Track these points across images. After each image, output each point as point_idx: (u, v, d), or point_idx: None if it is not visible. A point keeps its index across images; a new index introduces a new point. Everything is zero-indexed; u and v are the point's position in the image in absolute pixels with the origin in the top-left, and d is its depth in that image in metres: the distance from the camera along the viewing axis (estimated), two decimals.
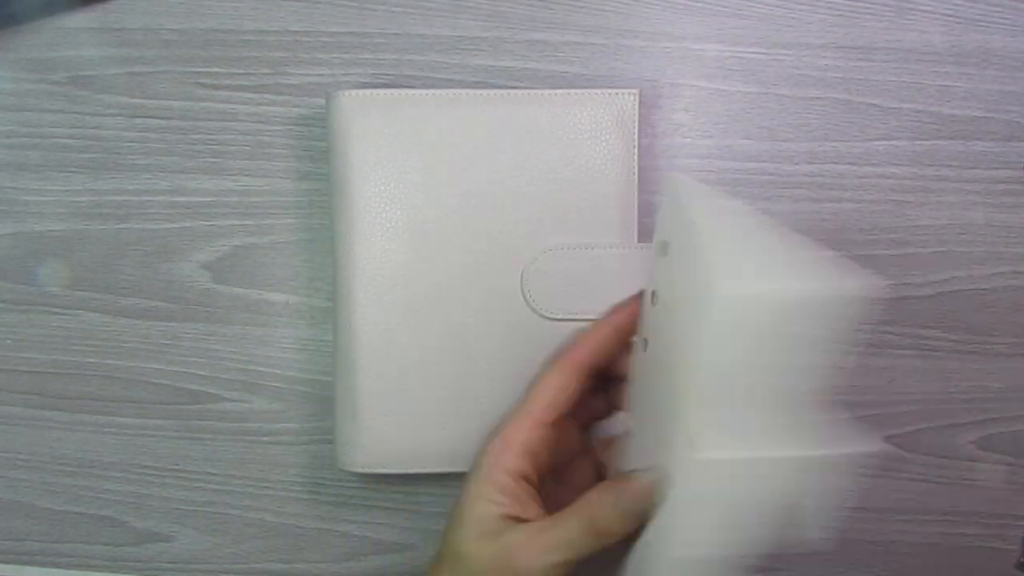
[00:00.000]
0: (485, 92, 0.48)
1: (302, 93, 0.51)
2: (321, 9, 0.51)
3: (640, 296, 0.39)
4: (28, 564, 0.54)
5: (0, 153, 0.52)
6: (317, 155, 0.51)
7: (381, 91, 0.47)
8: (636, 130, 0.48)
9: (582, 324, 0.44)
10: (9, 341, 0.53)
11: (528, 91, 0.48)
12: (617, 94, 0.48)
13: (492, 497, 0.38)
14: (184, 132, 0.52)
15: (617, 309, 0.40)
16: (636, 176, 0.48)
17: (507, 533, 0.38)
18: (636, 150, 0.48)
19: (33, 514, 0.53)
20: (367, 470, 0.47)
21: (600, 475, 0.41)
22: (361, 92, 0.47)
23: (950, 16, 0.50)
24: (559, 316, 0.47)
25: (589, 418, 0.42)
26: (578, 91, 0.48)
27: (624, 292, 0.43)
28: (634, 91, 0.48)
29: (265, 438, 0.52)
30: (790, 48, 0.51)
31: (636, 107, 0.48)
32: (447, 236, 0.47)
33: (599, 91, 0.48)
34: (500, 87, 0.51)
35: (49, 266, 0.52)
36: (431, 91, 0.48)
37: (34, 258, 0.52)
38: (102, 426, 0.53)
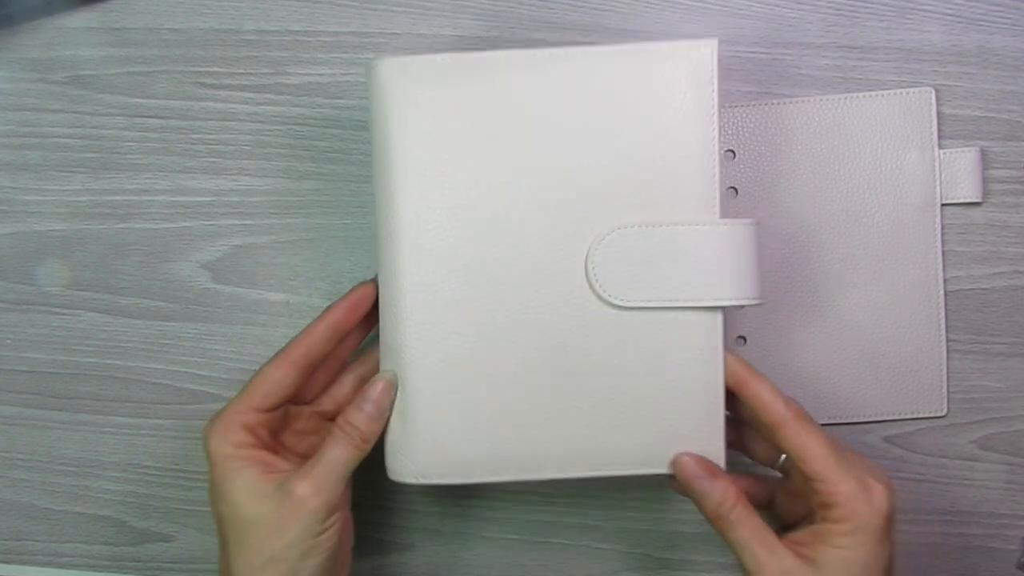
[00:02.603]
0: (541, 51, 0.42)
1: (302, 93, 0.51)
2: (321, 9, 0.51)
3: (362, 286, 0.45)
4: (28, 564, 0.54)
5: (0, 153, 0.52)
6: (317, 155, 0.51)
7: (426, 56, 0.42)
8: (715, 86, 0.41)
9: (660, 313, 0.42)
10: (9, 341, 0.53)
11: (588, 47, 0.42)
12: (692, 46, 0.41)
13: (248, 465, 0.42)
14: (184, 132, 0.52)
15: (332, 307, 0.45)
16: (716, 140, 0.41)
17: (280, 485, 0.41)
18: (715, 109, 0.41)
19: (33, 514, 0.53)
20: (421, 480, 0.42)
21: None
22: (405, 59, 0.42)
23: (950, 16, 0.50)
24: (630, 304, 0.41)
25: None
26: (647, 45, 0.42)
27: (706, 275, 0.41)
28: (712, 41, 0.41)
29: None
30: (790, 48, 0.51)
31: (715, 61, 0.41)
32: (502, 215, 0.42)
33: (672, 43, 0.42)
34: None
35: (49, 266, 0.52)
36: (478, 54, 0.42)
37: (34, 258, 0.52)
38: (102, 426, 0.53)
